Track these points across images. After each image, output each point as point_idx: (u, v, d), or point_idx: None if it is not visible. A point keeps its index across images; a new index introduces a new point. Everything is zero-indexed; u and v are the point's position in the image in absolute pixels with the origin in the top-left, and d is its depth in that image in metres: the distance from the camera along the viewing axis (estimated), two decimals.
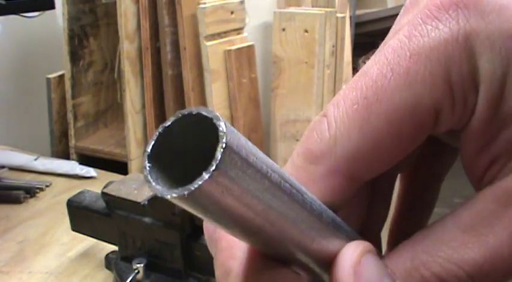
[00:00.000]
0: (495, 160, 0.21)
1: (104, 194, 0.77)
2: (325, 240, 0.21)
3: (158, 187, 0.17)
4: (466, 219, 0.21)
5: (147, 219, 0.74)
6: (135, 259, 0.75)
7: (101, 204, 0.80)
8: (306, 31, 2.01)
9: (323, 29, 2.01)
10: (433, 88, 0.21)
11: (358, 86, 0.22)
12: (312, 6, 2.23)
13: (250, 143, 0.17)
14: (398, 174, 0.29)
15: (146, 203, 0.72)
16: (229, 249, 0.22)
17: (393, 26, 0.24)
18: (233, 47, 1.79)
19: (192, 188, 0.16)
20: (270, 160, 0.18)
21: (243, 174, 0.17)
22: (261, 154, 0.18)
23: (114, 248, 0.82)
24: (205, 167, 0.16)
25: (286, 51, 2.06)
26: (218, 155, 0.16)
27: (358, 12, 2.86)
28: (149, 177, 0.17)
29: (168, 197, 0.16)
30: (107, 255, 0.85)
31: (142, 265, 0.74)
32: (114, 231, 0.78)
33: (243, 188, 0.17)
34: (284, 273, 0.21)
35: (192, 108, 0.17)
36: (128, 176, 0.84)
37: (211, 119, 0.17)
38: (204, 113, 0.17)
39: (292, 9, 2.13)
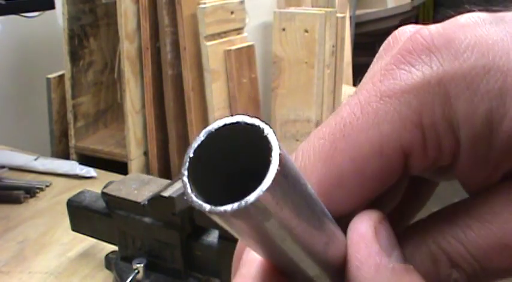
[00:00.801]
0: (504, 176, 0.22)
1: (104, 194, 0.77)
2: (335, 247, 0.21)
3: (206, 205, 0.16)
4: (475, 205, 0.22)
5: (147, 219, 0.74)
6: (135, 259, 0.75)
7: (101, 204, 0.80)
8: (306, 31, 2.01)
9: (323, 29, 2.01)
10: (401, 130, 0.21)
11: (329, 122, 0.22)
12: (312, 6, 2.23)
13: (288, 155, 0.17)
14: None
15: (146, 203, 0.72)
16: (250, 266, 0.21)
17: (367, 72, 0.24)
18: (233, 47, 1.79)
19: (249, 202, 0.15)
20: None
21: (291, 189, 0.16)
22: (297, 169, 0.17)
23: (114, 248, 0.82)
24: (247, 181, 0.15)
25: (286, 51, 2.06)
26: (275, 167, 0.15)
27: (358, 12, 2.86)
28: (190, 191, 0.16)
29: (218, 212, 0.15)
30: (107, 255, 0.85)
31: (142, 265, 0.74)
32: (114, 231, 0.78)
33: (290, 203, 0.17)
34: None
35: (228, 117, 0.17)
36: (127, 176, 0.84)
37: (258, 128, 0.16)
38: (247, 121, 0.16)
39: (292, 9, 2.13)
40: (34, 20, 1.70)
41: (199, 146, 0.17)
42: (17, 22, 1.65)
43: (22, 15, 1.54)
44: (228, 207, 0.15)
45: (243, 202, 0.15)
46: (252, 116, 0.16)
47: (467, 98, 0.20)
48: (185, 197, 0.16)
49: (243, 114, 0.17)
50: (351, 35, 2.47)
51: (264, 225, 0.16)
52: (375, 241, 0.20)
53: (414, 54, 0.21)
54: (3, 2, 1.32)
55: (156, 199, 0.71)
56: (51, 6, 1.45)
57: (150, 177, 0.81)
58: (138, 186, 0.77)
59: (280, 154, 0.15)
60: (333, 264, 0.21)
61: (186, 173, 0.16)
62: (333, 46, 2.11)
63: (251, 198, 0.15)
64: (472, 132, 0.20)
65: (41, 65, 1.96)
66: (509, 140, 0.20)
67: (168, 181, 0.76)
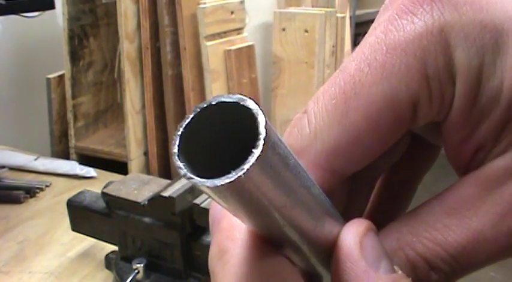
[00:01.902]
0: (478, 149, 0.22)
1: (104, 194, 0.77)
2: (326, 225, 0.21)
3: (195, 177, 0.16)
4: (451, 202, 0.22)
5: (147, 219, 0.74)
6: (135, 259, 0.75)
7: (101, 204, 0.80)
8: (306, 31, 2.01)
9: (323, 29, 2.01)
10: (409, 81, 0.21)
11: (337, 81, 0.22)
12: (312, 6, 2.23)
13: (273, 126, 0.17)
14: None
15: (146, 203, 0.72)
16: (229, 230, 0.22)
17: (373, 24, 0.24)
18: (233, 47, 1.79)
19: (240, 174, 0.15)
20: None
21: (279, 161, 0.17)
22: (284, 142, 0.18)
23: (114, 248, 0.82)
24: (237, 155, 0.16)
25: (286, 51, 2.06)
26: (262, 129, 0.16)
27: (358, 12, 2.86)
28: (189, 173, 0.16)
29: (208, 185, 0.16)
30: (107, 255, 0.85)
31: (142, 265, 0.74)
32: (114, 231, 0.78)
33: (278, 175, 0.17)
34: (280, 262, 0.21)
35: (211, 98, 0.17)
36: (128, 176, 0.84)
37: (236, 103, 0.16)
38: (226, 99, 0.17)
39: (292, 9, 2.13)
40: (34, 20, 1.70)
41: (188, 124, 0.17)
42: (17, 22, 1.65)
43: (22, 15, 1.54)
44: (218, 181, 0.15)
45: (229, 176, 0.15)
46: (243, 95, 0.17)
47: (464, 48, 0.20)
48: (178, 172, 0.16)
49: (240, 94, 0.17)
50: (351, 35, 2.47)
51: (252, 198, 0.17)
52: (360, 258, 0.21)
53: (416, 4, 0.21)
54: (3, 2, 1.32)
55: (156, 199, 0.71)
56: (51, 6, 1.45)
57: (150, 177, 0.81)
58: (138, 186, 0.77)
59: (266, 131, 0.16)
60: (321, 242, 0.21)
61: (176, 147, 0.17)
62: (333, 46, 2.11)
63: (238, 172, 0.15)
64: (465, 84, 0.21)
65: (41, 65, 1.96)
66: (492, 98, 0.20)
67: (168, 181, 0.76)
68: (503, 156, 0.21)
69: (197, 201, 0.70)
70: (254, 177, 0.16)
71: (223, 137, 0.18)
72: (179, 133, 0.17)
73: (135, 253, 0.77)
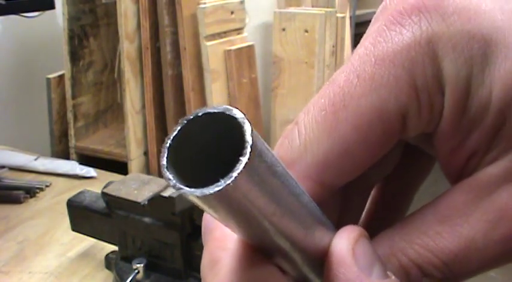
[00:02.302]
0: (470, 158, 0.22)
1: (104, 194, 0.77)
2: (316, 234, 0.21)
3: (184, 188, 0.16)
4: (443, 209, 0.22)
5: (147, 219, 0.74)
6: (135, 259, 0.75)
7: (101, 204, 0.80)
8: (306, 31, 2.01)
9: (323, 29, 2.01)
10: (398, 92, 0.21)
11: (326, 93, 0.22)
12: (312, 6, 2.23)
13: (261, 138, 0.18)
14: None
15: (146, 203, 0.72)
16: (221, 240, 0.22)
17: (364, 35, 0.24)
18: (233, 47, 1.79)
19: (227, 183, 0.15)
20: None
21: (266, 169, 0.17)
22: (271, 150, 0.18)
23: (114, 248, 0.82)
24: (224, 165, 0.16)
25: (286, 51, 2.06)
26: (248, 137, 0.16)
27: (358, 12, 2.86)
28: (178, 184, 0.17)
29: (210, 192, 0.16)
30: (107, 255, 0.85)
31: (142, 265, 0.74)
32: (114, 231, 0.78)
33: (266, 183, 0.17)
34: (270, 272, 0.21)
35: (197, 110, 0.17)
36: (128, 176, 0.84)
37: (222, 113, 0.17)
38: (212, 110, 0.17)
39: (292, 9, 2.13)
40: (34, 20, 1.70)
41: (176, 136, 0.17)
42: (17, 22, 1.65)
43: (22, 15, 1.54)
44: (206, 190, 0.16)
45: (218, 184, 0.15)
46: (229, 105, 0.17)
47: (452, 59, 0.20)
48: (168, 183, 0.17)
49: (230, 105, 0.17)
50: (351, 35, 2.47)
51: (241, 206, 0.17)
52: (353, 264, 0.21)
53: (405, 15, 0.21)
54: (3, 2, 1.32)
55: (156, 199, 0.71)
56: (51, 6, 1.45)
57: (150, 177, 0.81)
58: (138, 186, 0.77)
59: (252, 139, 0.16)
60: (312, 250, 0.21)
61: (165, 159, 0.17)
62: (333, 46, 2.11)
63: (227, 180, 0.15)
64: (453, 94, 0.21)
65: (41, 65, 1.96)
66: (481, 108, 0.20)
67: None
68: (495, 163, 0.21)
69: None
70: (242, 185, 0.16)
71: (212, 148, 0.18)
72: (167, 145, 0.17)
73: (135, 253, 0.77)
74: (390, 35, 0.21)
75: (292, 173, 0.20)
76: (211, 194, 0.16)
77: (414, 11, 0.21)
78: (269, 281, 0.21)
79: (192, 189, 0.16)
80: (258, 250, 0.21)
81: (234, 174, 0.15)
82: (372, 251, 0.21)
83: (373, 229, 0.23)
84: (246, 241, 0.21)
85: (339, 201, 0.26)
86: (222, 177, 0.16)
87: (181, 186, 0.16)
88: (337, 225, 0.23)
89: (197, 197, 0.16)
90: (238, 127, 0.16)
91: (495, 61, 0.20)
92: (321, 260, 0.21)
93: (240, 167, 0.15)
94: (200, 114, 0.17)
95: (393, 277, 0.21)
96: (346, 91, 0.21)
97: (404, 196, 0.30)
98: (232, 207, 0.17)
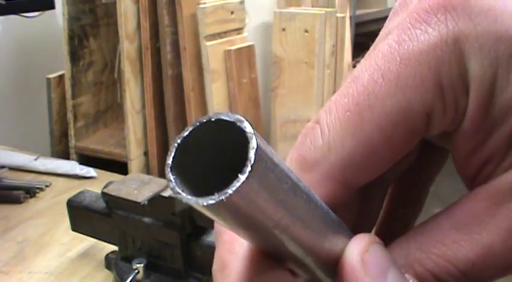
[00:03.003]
0: (488, 160, 0.21)
1: (104, 194, 0.77)
2: (329, 241, 0.21)
3: (190, 197, 0.16)
4: (459, 217, 0.21)
5: (147, 219, 0.74)
6: (135, 259, 0.75)
7: (101, 204, 0.80)
8: (306, 31, 2.01)
9: (323, 29, 2.01)
10: (423, 92, 0.21)
11: (350, 92, 0.22)
12: (312, 6, 2.23)
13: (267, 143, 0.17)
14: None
15: (146, 203, 0.72)
16: (230, 244, 0.22)
17: (383, 29, 0.23)
18: (233, 47, 1.79)
19: (230, 192, 0.15)
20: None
21: (272, 174, 0.17)
22: (277, 155, 0.18)
23: (114, 248, 0.82)
24: (228, 174, 0.16)
25: (286, 51, 2.06)
26: (251, 155, 0.16)
27: (358, 12, 2.86)
28: (177, 188, 0.16)
29: (203, 204, 0.16)
30: (107, 255, 0.85)
31: (142, 265, 0.74)
32: (114, 231, 0.78)
33: (272, 189, 0.17)
34: (281, 275, 0.21)
35: (211, 114, 0.17)
36: (128, 176, 0.84)
37: (233, 123, 0.16)
38: (225, 118, 0.17)
39: (292, 9, 2.13)
40: (34, 20, 1.70)
41: (186, 137, 0.17)
42: (17, 22, 1.65)
43: (22, 15, 1.54)
44: (201, 201, 0.16)
45: (221, 194, 0.15)
46: (235, 114, 0.17)
47: (478, 59, 0.20)
48: (178, 198, 0.17)
49: (238, 113, 0.17)
50: (351, 35, 2.47)
51: (246, 215, 0.17)
52: (363, 275, 0.20)
53: (431, 13, 0.21)
54: (3, 2, 1.32)
55: (156, 199, 0.71)
56: (51, 6, 1.45)
57: (150, 177, 0.81)
58: (138, 186, 0.76)
59: (257, 148, 0.16)
60: (326, 256, 0.21)
61: (169, 167, 0.17)
62: (333, 46, 2.11)
63: (221, 195, 0.15)
64: (478, 95, 0.20)
65: (41, 65, 1.96)
66: (504, 110, 0.20)
67: None
68: None
69: None
70: (236, 200, 0.16)
71: (219, 153, 0.18)
72: (176, 145, 0.17)
73: (135, 253, 0.77)
74: (415, 33, 0.21)
75: (312, 175, 0.19)
76: (205, 205, 0.15)
77: (440, 9, 0.21)
78: (278, 281, 0.20)
79: (189, 197, 0.16)
80: (268, 254, 0.21)
81: (229, 191, 0.15)
82: (384, 256, 0.21)
83: (393, 227, 0.23)
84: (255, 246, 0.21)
85: (357, 201, 0.26)
86: (224, 186, 0.15)
87: (179, 191, 0.16)
88: (356, 225, 0.23)
89: (204, 206, 0.16)
90: (245, 140, 0.16)
91: None
92: (335, 265, 0.21)
93: (236, 184, 0.15)
94: (213, 119, 0.17)
95: (411, 280, 0.21)
96: (371, 90, 0.21)
97: (421, 190, 0.29)
98: (234, 218, 0.17)
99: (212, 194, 0.16)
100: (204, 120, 0.17)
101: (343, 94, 0.22)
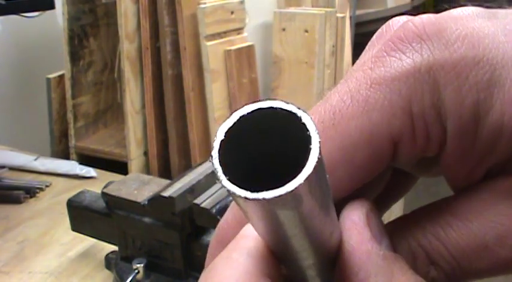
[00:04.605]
0: (488, 172, 0.22)
1: (104, 194, 0.77)
2: (336, 236, 0.21)
3: (241, 190, 0.15)
4: (456, 203, 0.22)
5: (147, 219, 0.74)
6: (135, 259, 0.75)
7: (101, 204, 0.80)
8: (306, 31, 2.01)
9: (323, 29, 2.01)
10: (391, 118, 0.20)
11: (318, 110, 0.22)
12: (312, 6, 2.23)
13: None
14: None
15: (146, 203, 0.72)
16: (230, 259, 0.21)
17: (358, 60, 0.23)
18: (233, 47, 1.79)
19: (289, 190, 0.15)
20: None
21: (321, 179, 0.16)
22: None
23: (114, 248, 0.82)
24: (282, 168, 0.15)
25: (286, 51, 2.06)
26: (315, 156, 0.15)
27: (358, 12, 2.86)
28: (222, 177, 0.15)
29: (266, 197, 0.15)
30: (107, 255, 0.85)
31: (142, 265, 0.74)
32: (114, 231, 0.78)
33: (319, 192, 0.16)
34: None
35: (269, 101, 0.16)
36: (128, 176, 0.84)
37: (295, 115, 0.16)
38: (287, 108, 0.16)
39: (292, 9, 2.13)
40: (34, 20, 1.69)
41: (229, 129, 0.17)
42: (17, 22, 1.65)
43: (22, 15, 1.54)
44: (267, 194, 0.15)
45: (283, 189, 0.15)
46: (287, 102, 0.16)
47: (455, 87, 0.20)
48: (217, 181, 0.16)
49: (277, 99, 0.16)
50: (351, 35, 2.47)
51: (292, 212, 0.16)
52: (366, 228, 0.21)
53: (405, 42, 0.21)
54: (3, 2, 1.32)
55: (156, 199, 0.71)
56: (51, 6, 1.45)
57: (150, 177, 0.81)
58: (138, 186, 0.77)
59: (319, 142, 0.15)
60: (331, 252, 0.21)
61: (216, 156, 0.16)
62: (333, 46, 2.11)
63: (291, 186, 0.15)
64: (458, 123, 0.20)
65: (41, 65, 1.96)
66: (494, 133, 0.20)
67: (168, 181, 0.76)
68: None
69: (197, 201, 0.70)
70: (304, 191, 0.15)
71: (264, 145, 0.17)
72: (221, 138, 0.16)
73: (135, 253, 0.77)
74: (389, 61, 0.21)
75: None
76: (268, 199, 0.14)
77: (415, 38, 0.21)
78: None
79: (245, 192, 0.15)
80: (277, 257, 0.21)
81: (301, 178, 0.14)
82: (382, 224, 0.21)
83: None
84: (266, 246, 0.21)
85: None
86: (275, 180, 0.15)
87: (229, 184, 0.15)
88: None
89: (247, 199, 0.15)
90: (301, 131, 0.15)
91: (504, 83, 0.20)
92: (328, 260, 0.21)
93: (307, 170, 0.14)
94: (265, 106, 0.16)
95: (399, 255, 0.21)
96: (337, 110, 0.21)
97: (381, 211, 0.30)
98: (275, 218, 0.16)
99: (251, 186, 0.15)
100: (252, 110, 0.16)
101: (312, 112, 0.22)
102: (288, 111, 0.16)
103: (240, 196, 0.15)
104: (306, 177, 0.15)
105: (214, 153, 0.16)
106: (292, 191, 0.15)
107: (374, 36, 0.24)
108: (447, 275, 0.21)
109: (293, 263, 0.21)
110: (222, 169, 0.16)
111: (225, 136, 0.16)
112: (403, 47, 0.21)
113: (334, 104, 0.21)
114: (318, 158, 0.15)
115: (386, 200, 0.29)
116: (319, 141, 0.15)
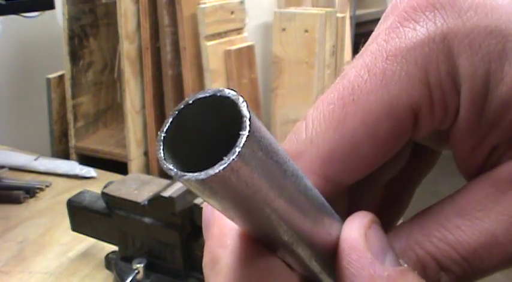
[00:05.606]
0: (490, 154, 0.21)
1: (104, 194, 0.77)
2: (323, 226, 0.20)
3: (187, 174, 0.15)
4: (463, 202, 0.21)
5: (147, 219, 0.74)
6: (135, 259, 0.75)
7: (101, 204, 0.80)
8: (306, 31, 2.01)
9: (323, 29, 2.01)
10: (409, 89, 0.20)
11: (336, 87, 0.22)
12: (312, 6, 2.23)
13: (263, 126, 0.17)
14: None
15: (146, 203, 0.72)
16: (220, 237, 0.21)
17: (374, 32, 0.23)
18: (233, 47, 1.79)
19: (231, 158, 0.15)
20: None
21: (267, 147, 0.16)
22: (271, 135, 0.17)
23: (114, 248, 0.82)
24: (223, 149, 0.15)
25: (286, 51, 2.06)
26: (246, 122, 0.15)
27: (358, 12, 2.86)
28: (171, 166, 0.16)
29: (202, 177, 0.15)
30: (107, 255, 0.85)
31: (142, 265, 0.74)
32: (114, 231, 0.78)
33: (267, 164, 0.16)
34: (274, 264, 0.20)
35: (209, 89, 0.17)
36: (128, 176, 0.84)
37: (230, 99, 0.16)
38: (221, 94, 0.16)
39: (292, 9, 2.13)
40: (34, 20, 1.69)
41: (169, 127, 0.17)
42: (17, 22, 1.65)
43: (22, 15, 1.54)
44: (210, 171, 0.15)
45: (211, 169, 0.15)
46: (230, 89, 0.16)
47: (468, 56, 0.20)
48: (169, 173, 0.16)
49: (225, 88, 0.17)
50: (351, 35, 2.47)
51: (243, 189, 0.16)
52: (366, 250, 0.20)
53: (419, 11, 0.21)
54: (3, 2, 1.32)
55: (156, 199, 0.71)
56: (51, 6, 1.45)
57: (150, 177, 0.81)
58: (138, 186, 0.77)
59: (250, 121, 0.15)
60: (320, 244, 0.20)
61: (161, 152, 0.16)
62: (333, 46, 2.11)
63: (228, 158, 0.15)
64: (471, 92, 0.20)
65: (41, 65, 1.96)
66: (501, 106, 0.20)
67: (168, 181, 0.76)
68: None
69: (197, 201, 0.70)
70: (246, 159, 0.15)
71: (209, 134, 0.18)
72: (161, 138, 0.17)
73: (135, 253, 0.77)
74: (403, 31, 0.21)
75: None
76: (216, 174, 0.15)
77: (429, 7, 0.21)
78: (273, 273, 0.20)
79: (196, 173, 0.15)
80: (261, 244, 0.20)
81: (237, 148, 0.15)
82: (384, 238, 0.21)
83: None
84: (247, 235, 0.20)
85: (346, 201, 0.25)
86: (217, 161, 0.15)
87: (185, 173, 0.16)
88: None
89: (202, 180, 0.15)
90: (232, 106, 0.16)
91: None
92: (330, 255, 0.21)
93: (241, 140, 0.15)
94: (191, 101, 0.17)
95: (406, 265, 0.20)
96: (356, 85, 0.21)
97: (408, 191, 0.29)
98: (235, 190, 0.16)
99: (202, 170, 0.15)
100: (182, 106, 0.17)
101: (330, 90, 0.22)
102: (223, 96, 0.16)
103: (181, 176, 0.15)
104: (238, 153, 0.15)
105: (159, 140, 0.17)
106: (221, 170, 0.15)
107: (388, 8, 0.23)
108: (458, 277, 0.21)
109: (285, 251, 0.20)
110: (166, 155, 0.16)
111: (166, 136, 0.17)
112: (417, 16, 0.21)
113: (352, 80, 0.21)
114: (249, 134, 0.15)
115: (409, 182, 0.28)
116: (249, 118, 0.15)
